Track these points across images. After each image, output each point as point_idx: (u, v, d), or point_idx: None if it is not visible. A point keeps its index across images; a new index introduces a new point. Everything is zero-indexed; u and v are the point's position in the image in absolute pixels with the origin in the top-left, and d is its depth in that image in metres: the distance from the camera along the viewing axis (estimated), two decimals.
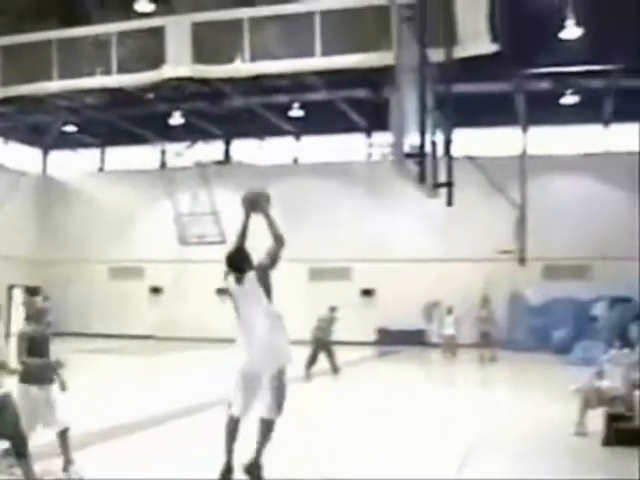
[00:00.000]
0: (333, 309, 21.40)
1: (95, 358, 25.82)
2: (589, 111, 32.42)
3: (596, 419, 11.54)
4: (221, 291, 7.03)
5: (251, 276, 7.86)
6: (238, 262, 8.02)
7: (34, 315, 8.94)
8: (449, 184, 8.51)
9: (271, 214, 8.11)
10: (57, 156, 41.59)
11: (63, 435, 8.48)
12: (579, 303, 30.58)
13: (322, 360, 20.32)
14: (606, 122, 34.12)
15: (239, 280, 7.94)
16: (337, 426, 12.68)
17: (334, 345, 20.91)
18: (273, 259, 7.96)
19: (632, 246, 31.16)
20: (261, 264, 7.95)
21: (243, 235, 8.23)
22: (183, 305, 36.41)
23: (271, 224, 8.05)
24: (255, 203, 8.11)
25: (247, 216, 8.25)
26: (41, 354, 8.66)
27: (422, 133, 7.83)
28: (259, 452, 7.93)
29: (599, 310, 29.21)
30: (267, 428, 7.92)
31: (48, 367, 8.61)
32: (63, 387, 8.64)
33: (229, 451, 7.89)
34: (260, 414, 7.95)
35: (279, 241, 7.97)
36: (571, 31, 23.74)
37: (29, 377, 8.50)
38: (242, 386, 7.94)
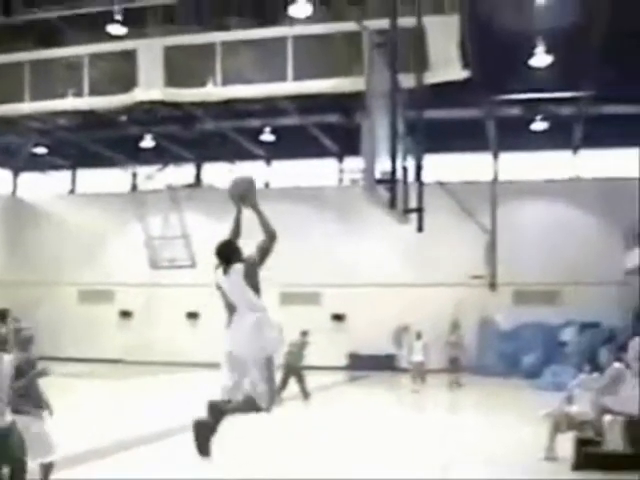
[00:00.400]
0: (305, 334, 21.34)
1: (65, 382, 25.56)
2: (559, 137, 32.68)
3: (566, 443, 11.58)
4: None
5: (237, 268, 7.79)
6: (225, 253, 7.95)
7: (20, 343, 8.76)
8: (419, 210, 8.54)
9: (260, 208, 8.04)
10: (27, 178, 41.35)
11: (48, 467, 8.32)
12: (549, 328, 30.71)
13: (293, 385, 20.26)
14: (575, 148, 34.40)
15: (225, 271, 7.88)
16: (308, 451, 12.64)
17: (305, 370, 20.84)
18: (263, 253, 7.91)
19: (601, 271, 31.44)
20: (250, 257, 7.90)
21: (235, 229, 8.19)
22: (153, 329, 36.22)
23: (260, 218, 8.01)
24: (243, 198, 8.07)
25: (238, 210, 8.23)
26: (29, 384, 8.49)
27: (393, 159, 7.86)
28: (232, 409, 7.75)
29: (568, 335, 29.36)
30: (251, 405, 7.78)
31: (37, 393, 8.47)
32: (50, 412, 8.51)
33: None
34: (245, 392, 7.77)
35: (269, 235, 7.93)
36: (541, 58, 23.99)
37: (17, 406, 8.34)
38: (230, 368, 7.80)
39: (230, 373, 7.82)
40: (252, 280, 7.88)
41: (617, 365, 12.73)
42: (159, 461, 11.28)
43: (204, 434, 7.46)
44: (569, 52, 23.06)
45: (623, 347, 17.30)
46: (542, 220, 33.52)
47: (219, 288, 8.05)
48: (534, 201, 34.07)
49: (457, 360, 27.09)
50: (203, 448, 7.42)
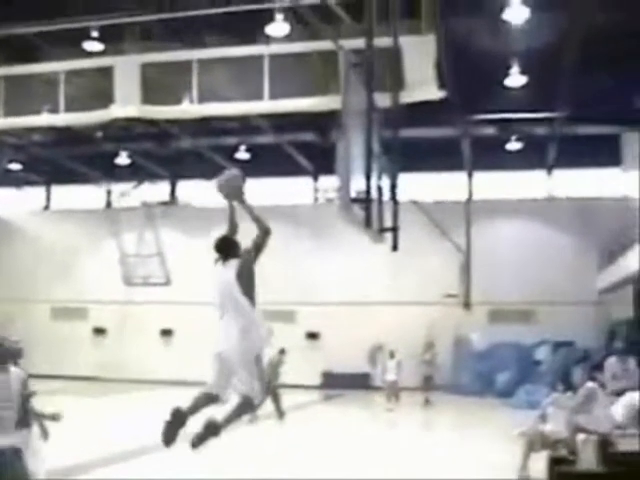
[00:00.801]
0: (282, 352, 21.30)
1: (39, 399, 25.38)
2: (533, 157, 32.91)
3: (540, 462, 11.61)
4: None
5: (232, 264, 7.77)
6: (223, 248, 8.10)
7: (10, 357, 8.60)
8: (394, 229, 8.55)
9: (249, 203, 8.04)
10: (2, 194, 41.11)
11: None
12: (523, 347, 30.80)
13: (267, 403, 20.20)
14: (549, 168, 34.62)
15: (223, 265, 7.94)
16: (282, 469, 12.60)
17: (280, 388, 20.80)
18: (257, 249, 7.89)
19: (575, 291, 31.61)
20: (245, 251, 7.88)
21: (231, 225, 8.20)
22: (127, 346, 36.04)
23: (251, 213, 8.01)
24: (230, 195, 8.11)
25: (230, 207, 8.25)
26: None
27: (368, 178, 7.88)
28: (228, 419, 7.69)
29: (543, 354, 29.46)
30: (248, 405, 7.72)
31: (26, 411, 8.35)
32: (45, 435, 8.34)
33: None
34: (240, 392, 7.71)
35: (263, 230, 7.92)
36: (516, 79, 24.17)
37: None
38: (218, 367, 7.74)
39: (219, 373, 7.77)
40: (247, 276, 7.83)
41: (590, 384, 12.80)
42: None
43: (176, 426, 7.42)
44: (543, 73, 23.26)
45: (597, 366, 17.44)
46: (516, 239, 33.68)
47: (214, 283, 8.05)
48: (509, 220, 34.24)
49: (430, 379, 27.19)
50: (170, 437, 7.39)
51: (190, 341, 34.79)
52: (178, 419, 7.38)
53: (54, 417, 8.11)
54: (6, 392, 7.62)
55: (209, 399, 7.72)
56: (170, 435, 7.33)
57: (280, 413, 20.35)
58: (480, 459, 14.56)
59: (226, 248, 7.95)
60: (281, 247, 33.98)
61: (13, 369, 7.62)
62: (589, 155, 31.88)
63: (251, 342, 7.78)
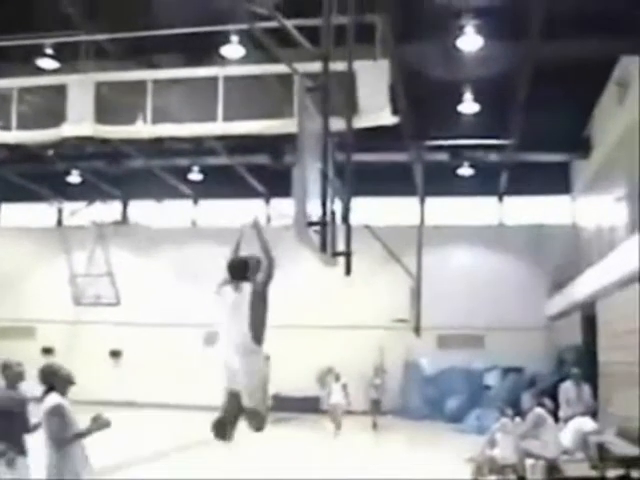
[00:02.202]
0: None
1: None
2: (485, 184, 33.21)
3: None
4: None
5: (247, 289, 7.67)
6: (240, 270, 7.83)
7: (12, 380, 8.47)
8: (348, 253, 8.57)
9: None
10: None
11: None
12: (473, 372, 30.94)
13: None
14: (501, 195, 34.94)
15: (237, 288, 7.73)
16: None
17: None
18: (269, 278, 7.78)
19: (525, 317, 31.88)
20: (258, 279, 7.77)
21: (237, 249, 8.13)
22: (76, 367, 35.53)
23: (262, 242, 7.93)
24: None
25: (241, 233, 8.24)
26: (14, 425, 8.20)
27: (324, 202, 7.90)
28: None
29: (492, 379, 29.60)
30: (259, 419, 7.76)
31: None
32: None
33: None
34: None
35: (269, 259, 7.81)
36: (468, 106, 24.41)
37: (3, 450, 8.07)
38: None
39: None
40: (263, 299, 7.72)
41: (538, 410, 12.90)
42: None
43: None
44: (496, 100, 23.53)
45: (545, 392, 17.56)
46: (467, 265, 33.94)
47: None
48: (460, 246, 34.49)
49: (379, 403, 27.26)
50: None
51: (139, 362, 34.55)
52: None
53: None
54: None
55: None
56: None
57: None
58: None
59: (244, 270, 7.80)
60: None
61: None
62: (539, 182, 32.26)
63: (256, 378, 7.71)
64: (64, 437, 7.50)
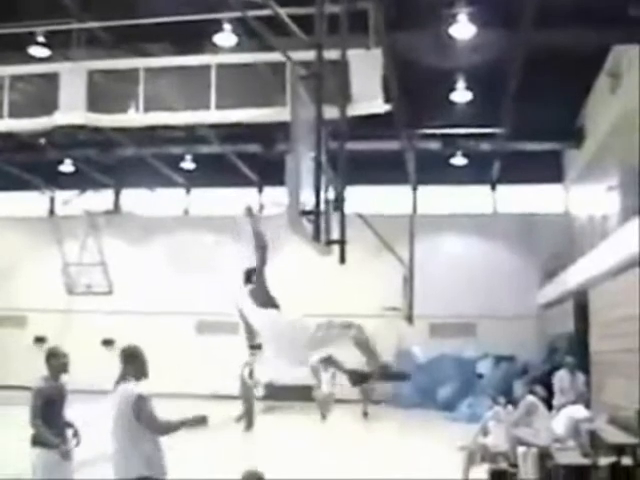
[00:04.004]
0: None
1: None
2: (477, 172, 33.22)
3: (481, 475, 11.69)
4: None
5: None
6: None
7: (57, 370, 8.42)
8: (342, 242, 8.57)
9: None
10: None
11: None
12: (465, 361, 30.99)
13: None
14: (493, 184, 34.97)
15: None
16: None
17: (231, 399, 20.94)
18: (262, 260, 7.88)
19: (517, 306, 31.95)
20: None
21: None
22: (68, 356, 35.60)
23: (256, 226, 8.04)
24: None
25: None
26: (56, 416, 8.17)
27: (317, 191, 7.90)
28: None
29: (484, 368, 29.67)
30: None
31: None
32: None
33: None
34: None
35: (262, 242, 7.96)
36: (461, 94, 24.42)
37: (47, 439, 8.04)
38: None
39: None
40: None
41: (531, 398, 12.95)
42: None
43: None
44: (488, 89, 23.52)
45: (537, 380, 17.64)
46: (459, 254, 33.97)
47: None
48: (452, 235, 34.53)
49: (369, 391, 27.18)
50: None
51: None
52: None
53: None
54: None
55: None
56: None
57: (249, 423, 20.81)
58: (421, 471, 14.60)
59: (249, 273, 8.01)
60: (224, 257, 33.95)
61: None
62: (532, 171, 32.29)
63: None
64: (162, 423, 7.49)
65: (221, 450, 17.71)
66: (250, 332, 8.18)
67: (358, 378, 7.99)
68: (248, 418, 21.25)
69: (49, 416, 8.03)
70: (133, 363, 7.80)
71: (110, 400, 7.62)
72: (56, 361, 8.39)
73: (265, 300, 7.89)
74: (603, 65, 22.48)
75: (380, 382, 26.00)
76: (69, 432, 8.50)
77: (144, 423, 7.37)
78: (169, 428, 7.53)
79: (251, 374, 21.34)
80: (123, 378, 7.69)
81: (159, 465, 7.40)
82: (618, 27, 18.82)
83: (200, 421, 7.73)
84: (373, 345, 7.75)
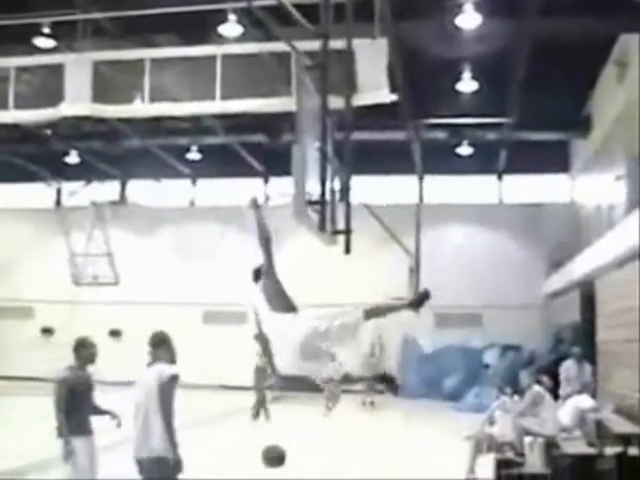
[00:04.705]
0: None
1: None
2: (484, 162, 33.16)
3: (487, 465, 11.70)
4: None
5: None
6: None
7: (84, 360, 8.46)
8: (347, 232, 8.57)
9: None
10: None
11: None
12: (471, 350, 30.99)
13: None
14: (500, 173, 34.90)
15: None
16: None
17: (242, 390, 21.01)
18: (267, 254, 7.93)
19: (523, 295, 31.92)
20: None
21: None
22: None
23: (259, 217, 8.03)
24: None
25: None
26: (81, 405, 8.19)
27: (323, 181, 7.90)
28: None
29: (490, 358, 29.65)
30: None
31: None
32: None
33: None
34: None
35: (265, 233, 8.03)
36: (467, 84, 24.37)
37: (73, 429, 8.06)
38: None
39: None
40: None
41: (537, 388, 12.95)
42: None
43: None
44: (495, 78, 23.46)
45: (543, 370, 17.62)
46: (466, 244, 33.93)
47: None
48: (458, 225, 34.49)
49: (374, 381, 27.21)
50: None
51: (139, 341, 34.57)
52: None
53: None
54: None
55: None
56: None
57: (258, 413, 20.89)
58: (427, 461, 14.62)
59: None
60: (230, 248, 33.98)
61: None
62: (539, 161, 32.21)
63: None
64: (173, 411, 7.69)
65: (227, 440, 17.74)
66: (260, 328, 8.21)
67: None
68: (257, 408, 21.33)
69: (74, 405, 8.08)
70: (164, 348, 7.95)
71: (140, 382, 7.69)
72: (85, 351, 8.48)
73: (280, 303, 7.87)
74: (610, 54, 22.41)
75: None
76: (106, 417, 8.57)
77: (166, 403, 7.56)
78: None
79: (265, 363, 21.42)
80: (155, 361, 7.86)
81: (174, 446, 7.51)
82: (625, 15, 18.74)
83: None
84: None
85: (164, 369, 7.69)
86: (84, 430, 8.18)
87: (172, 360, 7.94)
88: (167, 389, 7.58)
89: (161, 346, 7.86)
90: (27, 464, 12.86)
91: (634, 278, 16.98)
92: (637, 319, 16.31)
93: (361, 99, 15.67)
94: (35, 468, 12.44)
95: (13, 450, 14.34)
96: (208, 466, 13.21)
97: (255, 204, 8.17)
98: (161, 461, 7.37)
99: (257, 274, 8.09)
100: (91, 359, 8.49)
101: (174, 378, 7.69)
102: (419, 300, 7.38)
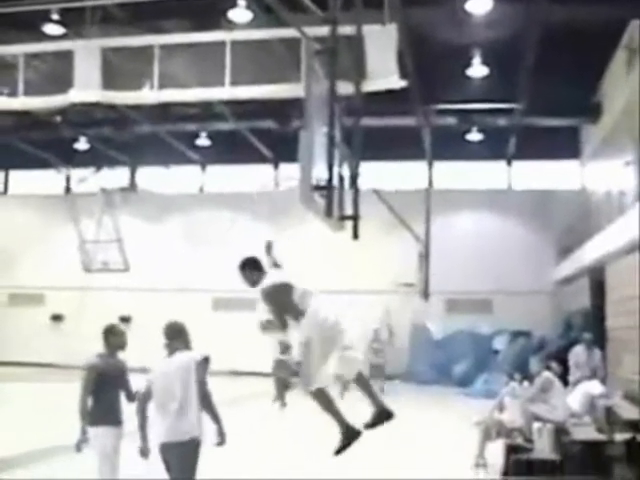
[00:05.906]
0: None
1: None
2: (493, 148, 33.09)
3: (496, 450, 11.71)
4: None
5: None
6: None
7: (114, 347, 8.46)
8: (355, 217, 8.57)
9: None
10: None
11: None
12: (481, 336, 30.96)
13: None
14: (509, 159, 34.83)
15: None
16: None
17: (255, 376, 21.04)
18: None
19: (532, 281, 31.90)
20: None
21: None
22: (85, 333, 35.73)
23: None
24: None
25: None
26: (110, 393, 8.18)
27: (330, 166, 7.89)
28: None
29: (500, 344, 29.64)
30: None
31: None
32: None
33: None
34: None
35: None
36: (477, 69, 24.32)
37: (101, 417, 8.10)
38: None
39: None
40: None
41: (546, 374, 12.94)
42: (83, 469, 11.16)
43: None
44: (505, 64, 23.41)
45: (553, 356, 17.62)
46: (475, 229, 33.89)
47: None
48: (468, 210, 34.44)
49: (380, 367, 26.95)
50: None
51: (148, 328, 34.63)
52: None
53: None
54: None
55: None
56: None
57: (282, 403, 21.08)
58: (437, 446, 14.64)
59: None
60: (240, 234, 33.96)
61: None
62: (548, 147, 32.13)
63: None
64: (209, 392, 7.85)
65: (237, 425, 17.77)
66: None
67: None
68: (279, 394, 21.60)
69: (102, 393, 8.05)
70: (181, 337, 7.99)
71: (164, 371, 7.76)
72: (114, 339, 8.42)
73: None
74: (621, 40, 22.32)
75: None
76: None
77: (199, 384, 7.71)
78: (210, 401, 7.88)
79: (284, 351, 21.54)
80: (174, 351, 7.89)
81: (201, 427, 7.69)
82: (636, 1, 18.67)
83: None
84: None
85: (191, 355, 7.78)
86: (112, 419, 8.12)
87: (188, 349, 7.98)
88: (200, 372, 7.65)
89: (177, 338, 7.88)
90: (35, 450, 12.90)
91: (636, 266, 16.96)
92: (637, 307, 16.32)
93: (371, 85, 15.67)
94: (44, 455, 12.48)
95: (25, 436, 14.38)
96: (218, 450, 13.25)
97: (269, 250, 8.49)
98: (193, 442, 7.53)
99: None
100: (120, 346, 8.46)
101: (206, 360, 7.85)
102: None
